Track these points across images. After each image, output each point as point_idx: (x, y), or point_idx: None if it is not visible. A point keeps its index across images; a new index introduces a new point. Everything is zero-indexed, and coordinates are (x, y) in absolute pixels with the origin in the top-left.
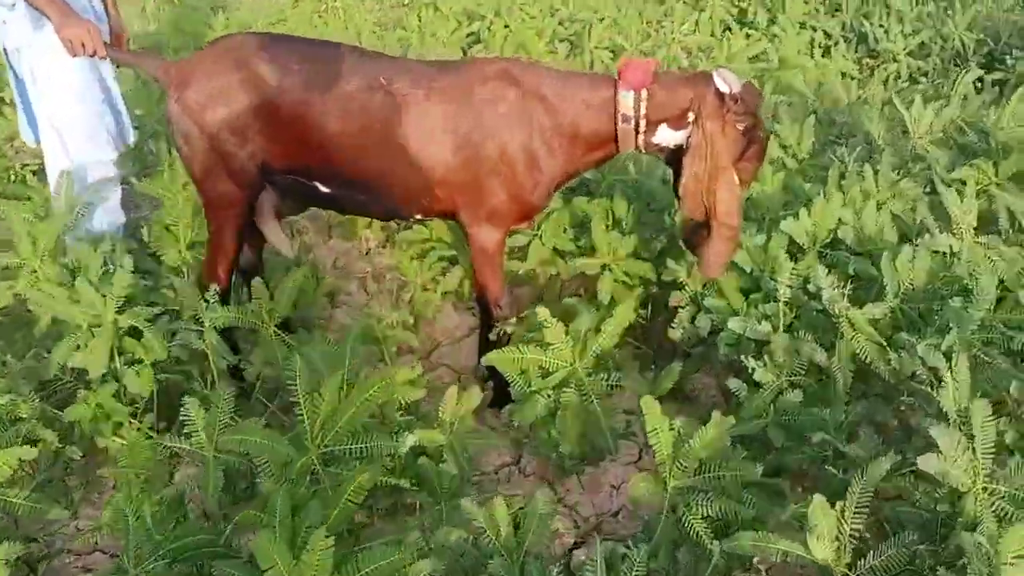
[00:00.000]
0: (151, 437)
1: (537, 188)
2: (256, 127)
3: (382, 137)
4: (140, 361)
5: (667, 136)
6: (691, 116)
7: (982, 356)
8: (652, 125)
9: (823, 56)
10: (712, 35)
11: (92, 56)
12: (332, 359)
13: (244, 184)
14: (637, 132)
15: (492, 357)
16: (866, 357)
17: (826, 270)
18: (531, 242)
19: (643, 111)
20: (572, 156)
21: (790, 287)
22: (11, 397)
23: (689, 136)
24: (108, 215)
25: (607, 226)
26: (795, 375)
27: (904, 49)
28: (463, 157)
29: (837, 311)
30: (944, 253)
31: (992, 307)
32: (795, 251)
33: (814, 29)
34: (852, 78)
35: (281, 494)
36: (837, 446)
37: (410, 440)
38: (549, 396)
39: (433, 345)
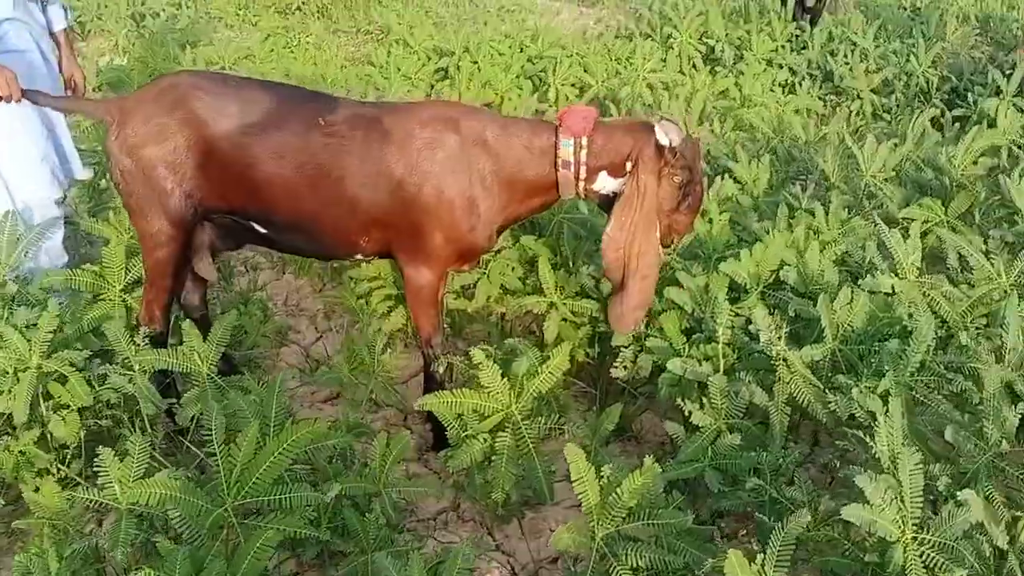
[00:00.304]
0: (78, 484)
1: (474, 232)
2: (192, 166)
3: (318, 179)
4: (67, 407)
5: (607, 183)
6: (629, 165)
7: (921, 399)
8: (592, 172)
9: (788, 93)
10: (680, 71)
11: (9, 102)
12: (258, 405)
13: (179, 222)
14: (577, 179)
15: (426, 400)
16: (803, 400)
17: (766, 311)
18: (479, 280)
19: (583, 158)
20: (511, 202)
21: (730, 328)
22: None
23: (624, 184)
24: (49, 255)
25: (555, 264)
26: (733, 418)
27: (867, 86)
28: (400, 200)
29: (774, 353)
30: (886, 294)
31: (931, 348)
32: (738, 292)
33: (780, 66)
34: (816, 115)
35: (180, 553)
36: (770, 492)
37: (335, 489)
38: (485, 440)
39: (391, 382)
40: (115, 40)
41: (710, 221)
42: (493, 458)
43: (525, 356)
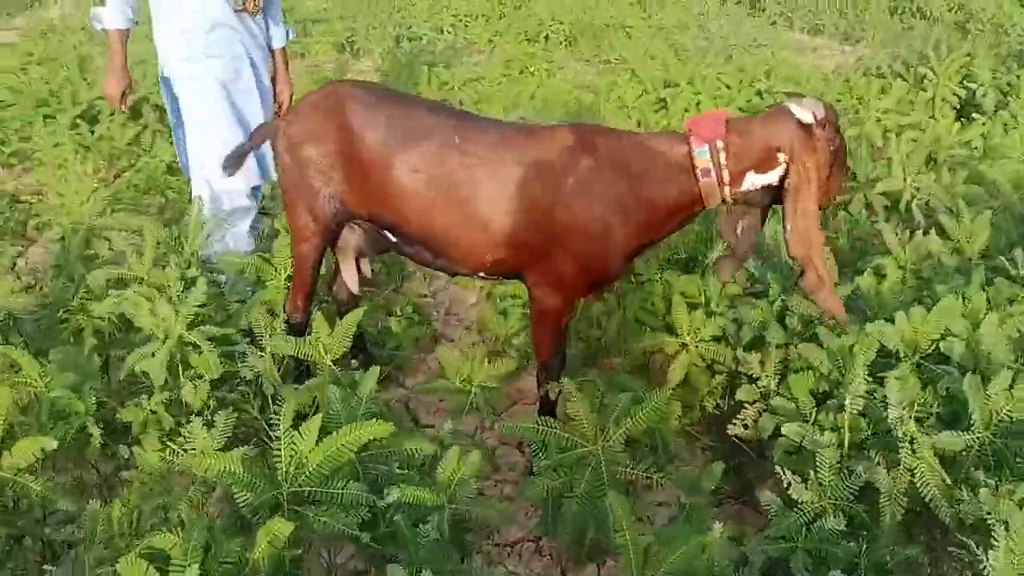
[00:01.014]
0: None
1: (609, 260)
2: (338, 170)
3: (451, 196)
4: (201, 376)
5: (755, 181)
6: (781, 156)
7: None
8: (737, 175)
9: None
10: (931, 116)
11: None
12: (346, 400)
13: (322, 221)
14: (721, 184)
15: (509, 424)
16: (926, 493)
17: (905, 385)
18: (614, 311)
19: (723, 161)
20: (652, 223)
21: (863, 398)
22: (67, 393)
23: (783, 176)
24: (236, 241)
25: (695, 304)
26: (842, 499)
27: None
28: (531, 222)
29: (901, 433)
30: None
31: None
32: (890, 359)
33: None
34: None
35: (198, 526)
36: None
37: (394, 494)
38: (564, 475)
39: (510, 402)
40: (377, 60)
41: (883, 276)
42: (567, 495)
43: (625, 395)
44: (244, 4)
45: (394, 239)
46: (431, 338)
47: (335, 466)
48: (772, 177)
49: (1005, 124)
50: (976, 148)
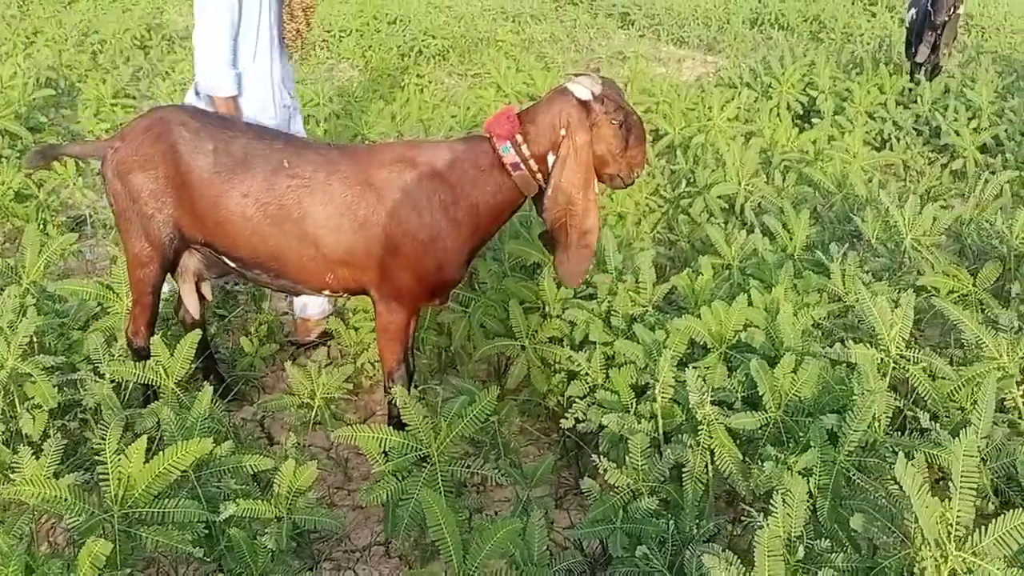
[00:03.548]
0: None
1: (444, 267)
2: (170, 196)
3: (283, 219)
4: (40, 407)
5: (553, 161)
6: (563, 132)
7: (858, 482)
8: (540, 160)
9: (881, 148)
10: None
11: None
12: (181, 420)
13: (158, 246)
14: (532, 173)
15: (341, 433)
16: (725, 469)
17: (707, 372)
18: (457, 319)
19: (526, 153)
20: (479, 224)
21: (674, 387)
22: None
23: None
24: None
25: (531, 308)
26: (656, 482)
27: (973, 144)
28: (363, 240)
29: (701, 417)
30: (850, 364)
31: (879, 429)
32: (700, 350)
33: (883, 120)
34: (916, 172)
35: (15, 555)
36: (658, 563)
37: (229, 509)
38: (401, 479)
39: (368, 414)
40: None
41: (698, 273)
42: (402, 498)
43: (459, 398)
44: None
45: (232, 264)
46: (290, 355)
47: (165, 485)
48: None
49: (840, 128)
50: (807, 152)
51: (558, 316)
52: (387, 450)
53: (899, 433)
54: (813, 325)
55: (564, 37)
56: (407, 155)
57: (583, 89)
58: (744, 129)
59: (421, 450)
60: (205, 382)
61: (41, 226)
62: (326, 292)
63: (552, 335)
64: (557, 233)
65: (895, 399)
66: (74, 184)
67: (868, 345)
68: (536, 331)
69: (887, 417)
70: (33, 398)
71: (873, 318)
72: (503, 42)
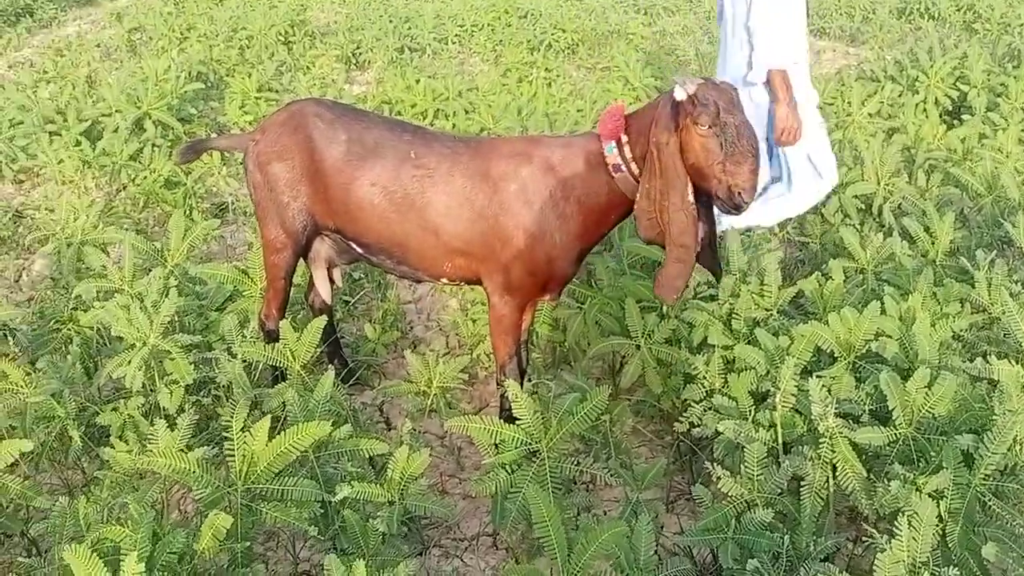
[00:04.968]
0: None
1: (554, 262)
2: (304, 185)
3: (407, 207)
4: (176, 382)
5: None
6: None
7: (994, 508)
8: (643, 162)
9: None
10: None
11: None
12: (305, 402)
13: (292, 233)
14: (635, 176)
15: (455, 423)
16: (848, 486)
17: (833, 382)
18: (575, 316)
19: (628, 155)
20: (587, 222)
21: (795, 396)
22: (47, 398)
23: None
24: None
25: (648, 307)
26: (772, 493)
27: None
28: (479, 231)
29: (823, 429)
30: (992, 382)
31: (1021, 452)
32: (827, 359)
33: None
34: None
35: (144, 522)
36: None
37: (344, 491)
38: (512, 472)
39: (482, 405)
40: (378, 72)
41: (828, 278)
42: (511, 491)
43: (570, 395)
44: None
45: (359, 249)
46: (411, 343)
47: (285, 464)
48: None
49: (993, 125)
50: (955, 151)
51: (676, 316)
52: (498, 442)
53: None
54: (953, 337)
55: (697, 29)
56: (524, 149)
57: (680, 89)
58: (886, 125)
59: (531, 444)
60: (330, 366)
61: (187, 212)
62: (444, 280)
63: (669, 336)
64: (656, 244)
65: None
66: (218, 173)
67: (1013, 362)
68: (652, 331)
69: None
70: (171, 374)
71: (1020, 332)
72: (634, 35)
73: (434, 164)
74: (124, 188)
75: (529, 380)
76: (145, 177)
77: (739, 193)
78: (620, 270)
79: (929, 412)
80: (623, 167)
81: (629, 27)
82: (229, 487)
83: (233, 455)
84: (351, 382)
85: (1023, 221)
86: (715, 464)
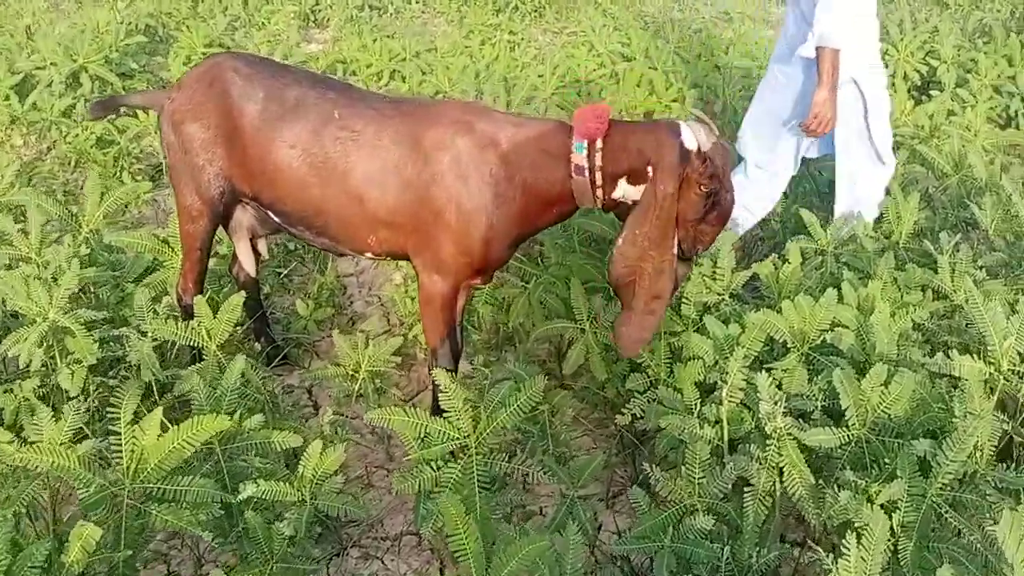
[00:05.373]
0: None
1: (487, 244)
2: (220, 146)
3: (328, 172)
4: (80, 361)
5: (627, 192)
6: (650, 171)
7: (951, 520)
8: (610, 179)
9: (1006, 127)
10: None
11: None
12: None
13: (209, 200)
14: (594, 186)
15: (375, 415)
16: (794, 492)
17: (786, 376)
18: (518, 296)
19: (598, 163)
20: (527, 210)
21: (742, 390)
22: None
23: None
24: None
25: (595, 288)
26: (713, 498)
27: None
28: (407, 201)
29: (771, 430)
30: (953, 378)
31: (981, 459)
32: (780, 349)
33: (1011, 95)
34: None
35: (2, 531)
36: None
37: (248, 490)
38: (437, 469)
39: (420, 388)
40: (335, 32)
41: (784, 260)
42: (433, 490)
43: (504, 384)
44: None
45: (276, 218)
46: (349, 319)
47: (180, 461)
48: (638, 193)
49: (962, 102)
50: (922, 127)
51: None
52: (423, 436)
53: (1005, 465)
54: (913, 327)
55: None
56: (463, 117)
57: (692, 137)
58: None
59: (458, 440)
60: (256, 343)
61: (117, 173)
62: (369, 254)
63: (616, 319)
64: (622, 292)
65: (1004, 423)
66: (155, 132)
67: (976, 357)
68: (599, 314)
69: (992, 445)
70: (74, 353)
71: (984, 324)
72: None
73: (360, 126)
74: (54, 146)
75: (470, 363)
76: (77, 135)
77: (697, 250)
78: (569, 247)
79: (885, 412)
80: (586, 171)
81: None
82: (117, 487)
83: (121, 450)
84: (276, 362)
85: (990, 203)
86: (654, 465)
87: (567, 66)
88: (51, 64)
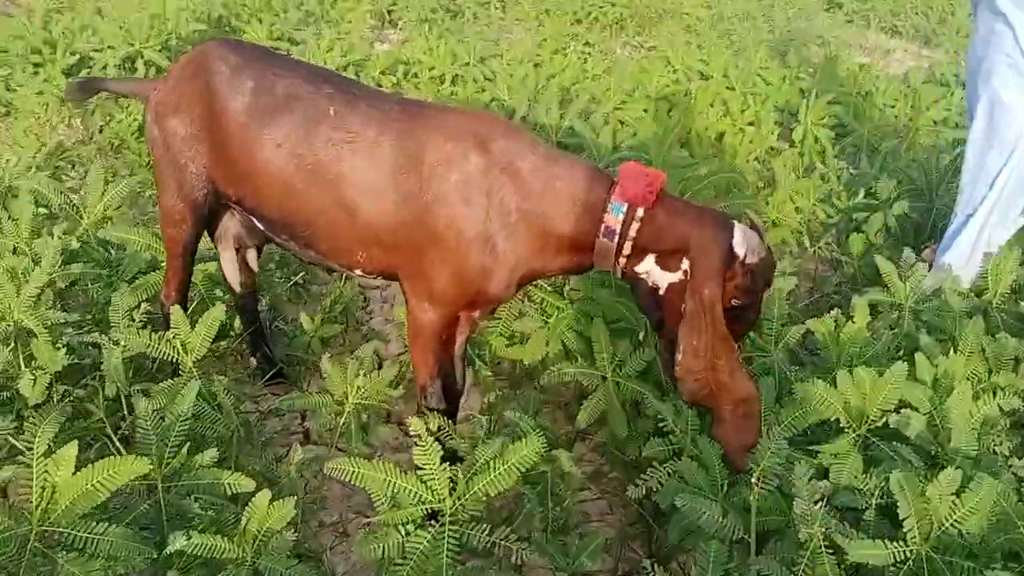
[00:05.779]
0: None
1: (488, 276)
2: (204, 143)
3: (317, 178)
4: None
5: (652, 271)
6: (685, 263)
7: None
8: (638, 251)
9: None
10: None
11: None
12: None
13: (192, 202)
14: (618, 254)
15: (335, 466)
16: None
17: (815, 464)
18: (536, 331)
19: (632, 232)
20: (537, 251)
21: (776, 475)
22: None
23: (672, 286)
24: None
25: (622, 330)
26: None
27: None
28: (403, 218)
29: (805, 537)
30: None
31: None
32: (833, 426)
33: None
34: None
35: None
36: None
37: (177, 542)
38: (405, 535)
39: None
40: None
41: (849, 317)
42: (397, 561)
43: (494, 441)
44: None
45: (260, 226)
46: (364, 337)
47: (94, 504)
48: (662, 279)
49: None
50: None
51: (655, 346)
52: (393, 495)
53: None
54: (1000, 414)
55: (759, 15)
56: (483, 133)
57: (743, 243)
58: (952, 135)
59: (432, 503)
60: (252, 359)
61: (148, 164)
62: (358, 272)
63: (644, 368)
64: (705, 404)
65: None
66: None
67: None
68: (624, 361)
69: None
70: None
71: None
72: (688, 15)
73: (358, 127)
74: (100, 131)
75: (468, 416)
76: (121, 121)
77: None
78: (599, 279)
79: (956, 526)
80: (616, 237)
81: (684, 7)
82: (21, 528)
83: (30, 487)
84: (267, 380)
85: None
86: (655, 564)
87: (638, 80)
88: (108, 47)
